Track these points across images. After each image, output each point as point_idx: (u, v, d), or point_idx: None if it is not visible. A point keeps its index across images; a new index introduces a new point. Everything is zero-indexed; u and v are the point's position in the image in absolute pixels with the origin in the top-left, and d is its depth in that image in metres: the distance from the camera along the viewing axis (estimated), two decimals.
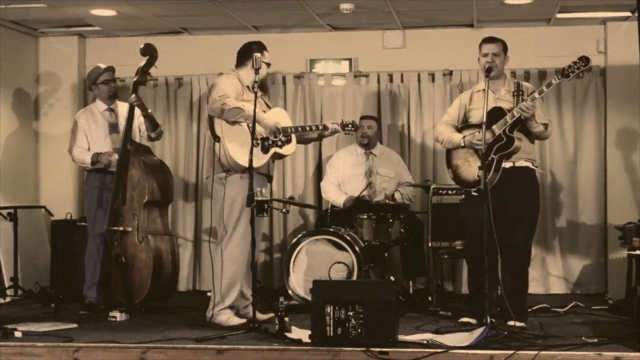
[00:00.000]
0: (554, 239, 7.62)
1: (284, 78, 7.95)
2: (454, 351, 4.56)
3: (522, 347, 4.60)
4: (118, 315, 5.93)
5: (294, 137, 5.80)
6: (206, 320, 5.62)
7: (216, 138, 5.50)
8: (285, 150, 5.76)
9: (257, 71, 5.44)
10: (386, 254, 6.64)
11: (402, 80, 7.82)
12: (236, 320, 5.43)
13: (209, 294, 5.91)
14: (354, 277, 6.20)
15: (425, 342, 4.81)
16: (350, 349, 4.61)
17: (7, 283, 7.22)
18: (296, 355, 4.65)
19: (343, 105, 7.84)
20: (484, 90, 5.54)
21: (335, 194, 7.12)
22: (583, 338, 4.92)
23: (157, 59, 6.34)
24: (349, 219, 6.68)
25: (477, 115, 5.60)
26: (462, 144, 5.61)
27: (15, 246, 7.23)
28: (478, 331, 4.92)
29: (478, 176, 5.49)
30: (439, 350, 4.57)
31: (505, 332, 5.00)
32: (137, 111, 6.36)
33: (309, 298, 5.00)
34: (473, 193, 5.55)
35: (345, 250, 6.30)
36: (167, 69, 7.44)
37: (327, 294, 4.80)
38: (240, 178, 5.50)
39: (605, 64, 7.56)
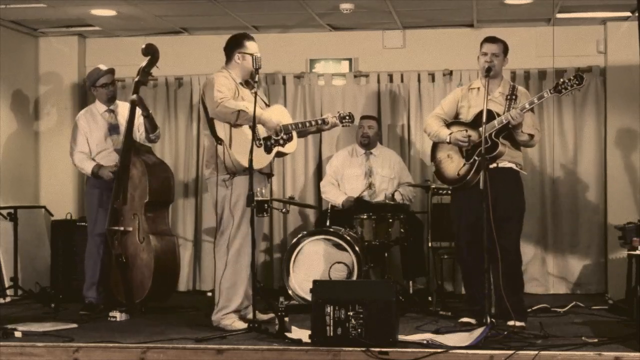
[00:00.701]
0: (554, 239, 7.62)
1: (284, 78, 7.95)
2: (454, 351, 4.56)
3: (522, 347, 4.61)
4: (118, 315, 5.93)
5: (295, 134, 5.77)
6: (206, 320, 5.60)
7: (218, 140, 5.45)
8: (288, 148, 5.74)
9: (257, 71, 5.43)
10: (386, 254, 6.64)
11: (402, 80, 7.83)
12: (240, 325, 5.38)
13: (209, 294, 5.92)
14: (354, 277, 6.20)
15: (425, 342, 4.81)
16: (350, 349, 4.61)
17: (7, 283, 7.22)
18: (296, 355, 4.65)
19: (343, 105, 7.82)
20: (479, 88, 5.55)
21: (334, 194, 7.12)
22: (583, 338, 4.92)
23: (159, 59, 6.34)
24: (349, 219, 6.68)
25: (468, 112, 5.66)
26: (448, 140, 5.63)
27: (15, 246, 7.23)
28: (478, 331, 4.92)
29: (458, 174, 5.56)
30: (439, 350, 4.57)
31: (505, 332, 5.00)
32: (138, 110, 6.37)
33: (309, 298, 5.00)
34: (449, 191, 5.60)
35: (345, 250, 6.30)
36: (167, 69, 7.43)
37: (327, 294, 4.80)
38: (245, 179, 5.45)
39: (605, 64, 7.56)
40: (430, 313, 6.16)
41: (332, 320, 4.74)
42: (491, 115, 5.42)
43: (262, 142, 5.56)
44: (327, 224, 6.68)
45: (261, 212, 5.33)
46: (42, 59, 8.11)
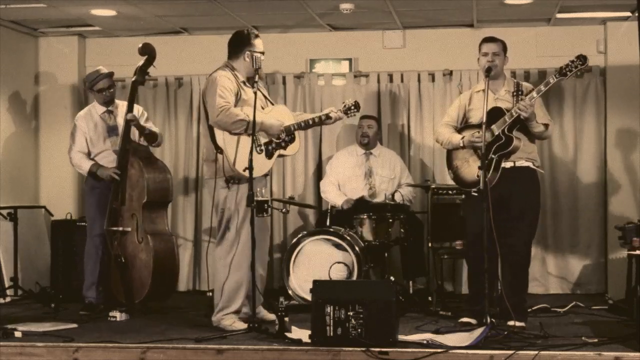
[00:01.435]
0: (554, 239, 7.62)
1: (284, 78, 7.95)
2: (454, 351, 4.56)
3: (522, 347, 4.60)
4: (118, 315, 5.93)
5: (297, 134, 5.70)
6: (206, 320, 5.60)
7: (218, 149, 5.37)
8: (290, 150, 5.66)
9: (257, 71, 5.41)
10: (386, 254, 6.64)
11: (402, 80, 7.82)
12: (240, 325, 5.37)
13: (209, 294, 5.91)
14: (354, 277, 6.20)
15: (425, 342, 4.81)
16: (350, 349, 4.61)
17: (7, 283, 7.22)
18: (296, 355, 4.65)
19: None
20: (483, 90, 5.54)
21: (334, 194, 7.12)
22: (583, 338, 4.92)
23: (156, 59, 6.34)
24: (349, 219, 6.68)
25: (477, 115, 5.61)
26: (462, 144, 5.62)
27: (15, 246, 7.23)
28: (478, 331, 4.92)
29: (478, 176, 5.50)
30: (439, 350, 4.57)
31: (505, 332, 5.00)
32: (137, 109, 6.39)
33: (309, 298, 5.00)
34: (473, 193, 5.55)
35: (345, 250, 6.30)
36: (167, 69, 7.45)
37: (327, 294, 4.80)
38: (245, 183, 5.39)
39: (605, 64, 7.56)
40: (430, 313, 6.16)
41: (332, 320, 4.74)
42: (501, 112, 5.42)
43: (262, 147, 5.51)
44: (327, 224, 6.68)
45: (261, 212, 5.32)
46: (42, 59, 8.11)
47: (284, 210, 6.92)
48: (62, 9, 7.12)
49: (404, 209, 6.84)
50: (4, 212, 7.21)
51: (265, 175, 5.70)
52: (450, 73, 7.74)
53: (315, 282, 4.91)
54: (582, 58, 5.29)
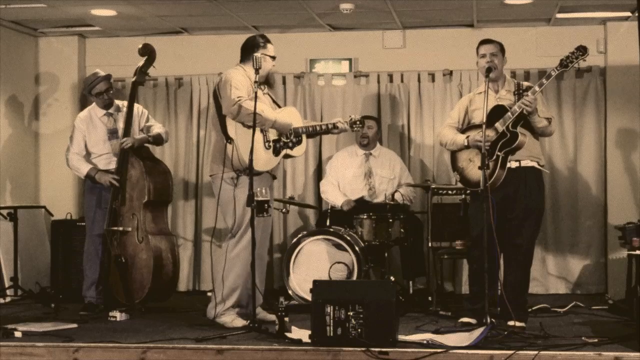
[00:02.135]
0: (554, 239, 7.62)
1: (284, 78, 7.95)
2: (454, 351, 4.56)
3: (522, 347, 4.60)
4: (118, 315, 5.93)
5: (304, 137, 5.76)
6: (206, 318, 5.62)
7: (228, 139, 5.44)
8: (296, 151, 5.73)
9: (257, 71, 5.43)
10: (386, 254, 6.64)
11: (402, 81, 7.83)
12: (240, 322, 5.41)
13: (209, 294, 5.91)
14: (354, 277, 6.21)
15: (425, 342, 4.81)
16: (350, 349, 4.61)
17: (7, 283, 7.22)
18: (296, 355, 4.64)
19: (343, 105, 7.84)
20: (485, 92, 5.54)
21: (334, 194, 7.12)
22: (583, 338, 4.92)
23: (156, 59, 6.34)
24: (349, 219, 6.68)
25: (480, 115, 5.60)
26: (466, 144, 5.61)
27: (15, 246, 7.23)
28: (478, 331, 4.92)
29: None
30: (439, 350, 4.56)
31: (505, 332, 5.00)
32: (136, 112, 6.39)
33: (309, 298, 5.00)
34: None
35: (345, 250, 6.30)
36: (167, 69, 7.46)
37: (327, 294, 4.80)
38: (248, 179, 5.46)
39: (605, 64, 7.56)
40: (430, 313, 6.16)
41: (332, 320, 4.74)
42: (503, 110, 5.42)
43: (271, 144, 5.56)
44: (327, 224, 6.68)
45: (261, 212, 5.32)
46: (42, 59, 8.11)
47: (284, 210, 6.93)
48: (62, 9, 7.13)
49: (403, 209, 6.84)
50: (4, 212, 7.21)
51: (274, 177, 5.75)
52: (450, 73, 7.74)
53: (315, 282, 4.91)
54: (582, 49, 5.30)
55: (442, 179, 7.48)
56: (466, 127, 5.75)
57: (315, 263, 6.34)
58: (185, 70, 8.01)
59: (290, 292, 6.32)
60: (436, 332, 5.18)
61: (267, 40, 5.69)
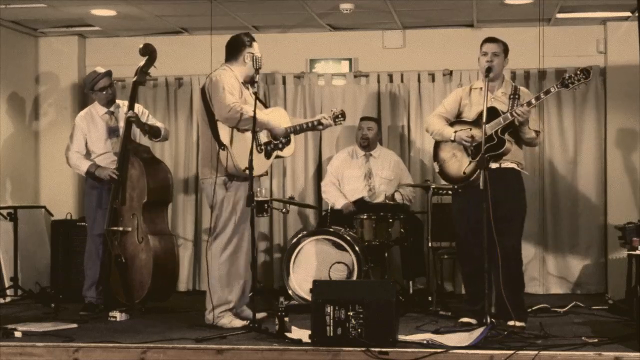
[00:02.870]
0: (554, 239, 7.62)
1: (284, 78, 7.96)
2: (454, 351, 4.56)
3: (522, 347, 4.60)
4: (118, 315, 5.93)
5: (293, 137, 5.77)
6: (206, 322, 5.62)
7: (222, 146, 5.39)
8: (286, 151, 5.74)
9: (257, 71, 5.42)
10: (386, 254, 6.64)
11: (402, 81, 7.83)
12: (238, 323, 5.42)
13: None
14: (354, 277, 6.20)
15: (425, 342, 4.81)
16: (350, 349, 4.61)
17: (7, 283, 7.22)
18: (296, 355, 4.64)
19: (343, 105, 7.81)
20: (481, 88, 5.55)
21: (334, 195, 7.12)
22: (583, 338, 4.92)
23: (157, 59, 6.34)
24: (349, 219, 6.68)
25: (471, 112, 5.64)
26: (453, 138, 5.61)
27: (15, 246, 7.23)
28: (478, 331, 4.92)
29: (464, 172, 5.54)
30: (439, 350, 4.56)
31: (505, 332, 5.00)
32: (138, 108, 6.39)
33: (309, 298, 5.00)
34: (457, 189, 5.58)
35: (345, 250, 6.30)
36: (167, 69, 7.45)
37: (327, 294, 4.80)
38: (243, 182, 5.44)
39: (605, 64, 7.56)
40: (430, 313, 6.16)
41: (332, 320, 4.74)
42: (496, 113, 5.42)
43: (262, 147, 5.56)
44: (327, 224, 6.68)
45: (261, 212, 5.33)
46: (42, 59, 8.11)
47: (284, 210, 6.93)
48: (62, 9, 7.13)
49: (403, 209, 6.85)
50: (4, 212, 7.21)
51: (260, 175, 5.73)
52: (450, 73, 7.74)
53: (315, 282, 4.92)
54: (586, 72, 5.31)
55: (442, 179, 7.46)
56: (455, 120, 5.74)
57: (315, 263, 6.34)
58: (185, 70, 8.00)
59: (290, 292, 6.32)
60: (436, 332, 5.18)
61: (253, 39, 5.63)
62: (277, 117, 5.69)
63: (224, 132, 5.42)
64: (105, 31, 7.95)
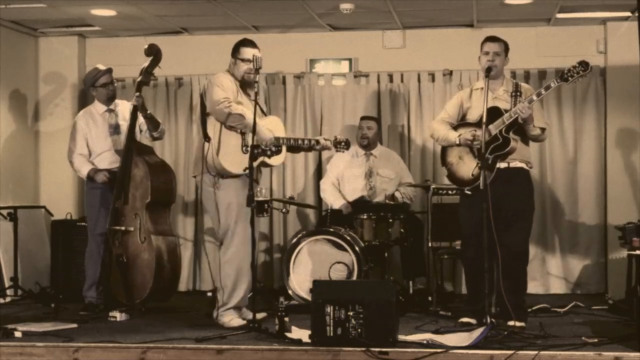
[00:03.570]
0: (554, 239, 7.62)
1: (284, 78, 7.96)
2: (454, 351, 4.56)
3: (522, 347, 4.60)
4: (118, 315, 5.93)
5: (284, 148, 5.72)
6: (206, 320, 5.63)
7: (206, 138, 5.47)
8: (273, 160, 5.69)
9: (257, 71, 5.42)
10: (386, 254, 6.64)
11: (402, 80, 7.83)
12: (237, 322, 5.44)
13: (209, 294, 5.92)
14: (354, 277, 6.20)
15: (425, 342, 4.81)
16: (350, 349, 4.61)
17: (7, 283, 7.22)
18: (296, 355, 4.65)
19: (343, 105, 7.84)
20: (482, 88, 5.54)
21: (333, 195, 7.12)
22: (583, 338, 4.92)
23: (161, 60, 6.35)
24: (349, 219, 6.68)
25: (474, 113, 5.63)
26: (457, 142, 5.62)
27: (15, 246, 7.23)
28: (478, 331, 4.92)
29: (472, 175, 5.53)
30: (439, 350, 4.56)
31: (505, 332, 5.00)
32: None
33: (309, 298, 5.00)
34: (467, 192, 5.57)
35: (345, 250, 6.30)
36: (167, 69, 7.41)
37: (327, 294, 4.80)
38: (233, 181, 5.50)
39: (605, 64, 7.56)
40: (430, 313, 6.16)
41: (332, 320, 4.74)
42: (499, 112, 5.41)
43: (248, 148, 5.55)
44: (327, 224, 6.68)
45: (261, 212, 5.33)
46: (42, 59, 8.11)
47: (284, 210, 6.92)
48: (62, 9, 7.13)
49: (403, 209, 6.84)
50: (4, 212, 7.21)
51: (239, 175, 5.65)
52: (450, 73, 7.74)
53: (315, 282, 4.92)
54: (584, 64, 5.28)
55: (442, 179, 7.46)
56: (459, 123, 5.74)
57: (315, 263, 6.34)
58: (185, 70, 8.01)
59: (290, 292, 6.32)
60: (436, 332, 5.18)
61: (245, 44, 5.65)
62: (271, 125, 5.64)
63: (210, 127, 5.48)
64: (105, 31, 7.95)
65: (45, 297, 6.79)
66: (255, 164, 5.53)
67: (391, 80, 7.86)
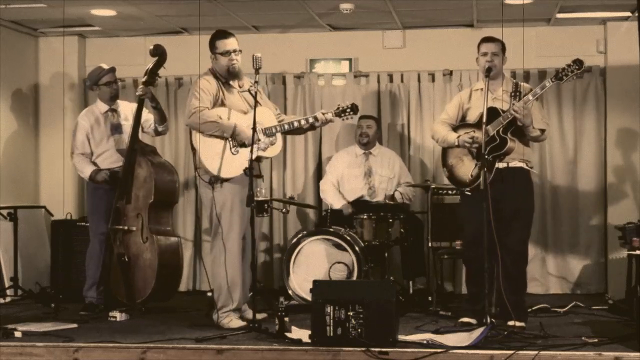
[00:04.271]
0: (554, 239, 7.62)
1: (284, 78, 7.96)
2: (454, 351, 4.57)
3: (522, 347, 4.61)
4: (118, 315, 5.93)
5: (279, 137, 5.68)
6: (206, 320, 5.64)
7: (193, 149, 5.54)
8: (269, 152, 5.66)
9: (257, 71, 5.42)
10: (386, 254, 6.64)
11: (402, 80, 7.83)
12: (237, 323, 5.45)
13: (209, 294, 5.92)
14: (354, 277, 6.20)
15: (425, 342, 4.81)
16: (350, 349, 4.61)
17: (7, 283, 7.22)
18: (296, 355, 4.65)
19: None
20: (482, 89, 5.55)
21: (333, 196, 7.12)
22: (583, 338, 4.92)
23: (166, 60, 6.36)
24: (349, 219, 6.68)
25: (474, 114, 5.64)
26: (456, 143, 5.62)
27: (15, 246, 7.24)
28: (478, 331, 4.92)
29: (471, 176, 5.54)
30: (439, 350, 4.57)
31: (505, 332, 5.00)
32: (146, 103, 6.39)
33: (309, 298, 5.00)
34: (467, 192, 5.58)
35: (345, 250, 6.30)
36: (167, 69, 7.43)
37: (327, 294, 4.80)
38: (228, 184, 5.51)
39: (605, 64, 7.56)
40: (430, 313, 6.16)
41: (332, 320, 4.74)
42: (496, 113, 5.42)
43: (238, 149, 5.55)
44: (327, 224, 6.68)
45: (261, 212, 5.33)
46: (42, 59, 8.11)
47: (284, 210, 6.92)
48: (62, 9, 7.11)
49: (403, 209, 6.85)
50: (4, 212, 7.21)
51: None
52: (450, 73, 7.74)
53: (315, 282, 4.92)
54: (578, 62, 5.29)
55: (442, 179, 7.46)
56: (459, 124, 5.75)
57: (315, 263, 6.34)
58: (185, 70, 7.98)
59: (290, 292, 6.32)
60: (436, 332, 5.19)
61: (219, 37, 5.68)
62: (262, 117, 5.57)
63: (195, 135, 5.54)
64: (105, 31, 7.95)
65: (45, 297, 6.79)
66: (246, 162, 5.53)
67: (391, 80, 7.86)
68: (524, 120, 5.38)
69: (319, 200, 7.69)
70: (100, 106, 6.55)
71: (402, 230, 6.58)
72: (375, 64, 7.89)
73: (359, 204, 6.95)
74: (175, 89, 8.08)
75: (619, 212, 7.30)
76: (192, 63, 7.88)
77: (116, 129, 6.50)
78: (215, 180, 5.51)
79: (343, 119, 5.90)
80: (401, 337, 4.88)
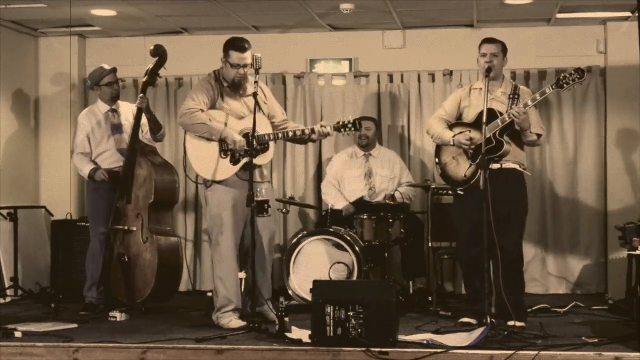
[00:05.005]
0: (554, 239, 7.61)
1: (284, 78, 7.96)
2: (454, 351, 4.56)
3: (522, 347, 4.61)
4: (118, 315, 5.93)
5: (272, 145, 5.63)
6: (206, 320, 5.65)
7: (184, 152, 5.62)
8: (260, 159, 5.60)
9: (257, 71, 5.43)
10: (386, 254, 6.64)
11: (402, 81, 7.83)
12: (236, 324, 5.45)
13: (209, 294, 5.92)
14: (354, 277, 6.20)
15: (425, 342, 4.81)
16: (350, 349, 4.61)
17: (7, 283, 7.22)
18: (296, 355, 4.65)
19: (343, 105, 7.84)
20: (480, 88, 5.55)
21: (334, 196, 7.12)
22: (583, 338, 4.92)
23: (167, 60, 6.36)
24: (349, 219, 6.68)
25: (471, 113, 5.64)
26: (451, 143, 5.62)
27: (15, 246, 7.24)
28: (478, 331, 4.92)
29: (465, 175, 5.54)
30: (439, 350, 4.57)
31: (505, 332, 5.00)
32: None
33: (309, 298, 5.00)
34: (459, 192, 5.58)
35: (345, 250, 6.30)
36: (167, 69, 7.44)
37: (327, 294, 4.80)
38: (220, 186, 5.54)
39: (605, 64, 7.56)
40: (430, 313, 6.16)
41: (332, 320, 4.74)
42: (494, 114, 5.41)
43: (228, 153, 5.56)
44: (327, 224, 6.68)
45: (261, 212, 5.33)
46: (42, 59, 8.11)
47: (284, 210, 6.92)
48: (62, 9, 7.12)
49: (403, 209, 6.85)
50: (4, 212, 7.21)
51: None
52: (450, 73, 7.74)
53: (315, 282, 4.92)
54: (580, 72, 5.29)
55: (444, 182, 7.46)
56: (455, 122, 5.74)
57: (315, 263, 6.34)
58: (185, 70, 8.00)
59: (290, 292, 6.33)
60: (436, 332, 5.18)
61: (234, 48, 5.54)
62: (258, 123, 5.45)
63: (188, 137, 5.61)
64: (105, 31, 7.95)
65: (45, 297, 6.79)
66: (238, 166, 5.55)
67: (391, 80, 7.86)
68: (522, 125, 5.39)
69: (319, 200, 7.69)
70: (101, 106, 6.56)
71: (402, 230, 6.58)
72: (375, 64, 7.89)
73: (359, 204, 6.95)
74: (175, 89, 8.08)
75: (619, 212, 7.30)
76: (192, 63, 7.97)
77: (117, 128, 6.50)
78: (205, 181, 5.57)
79: (343, 134, 5.83)
80: (401, 337, 4.88)
